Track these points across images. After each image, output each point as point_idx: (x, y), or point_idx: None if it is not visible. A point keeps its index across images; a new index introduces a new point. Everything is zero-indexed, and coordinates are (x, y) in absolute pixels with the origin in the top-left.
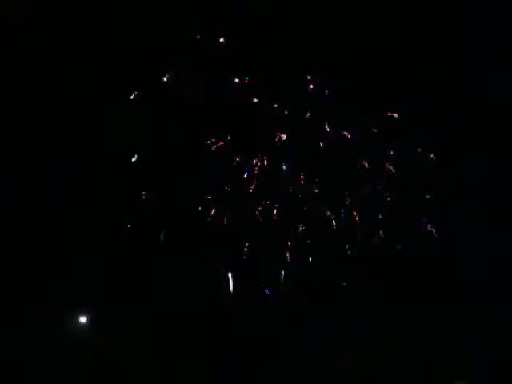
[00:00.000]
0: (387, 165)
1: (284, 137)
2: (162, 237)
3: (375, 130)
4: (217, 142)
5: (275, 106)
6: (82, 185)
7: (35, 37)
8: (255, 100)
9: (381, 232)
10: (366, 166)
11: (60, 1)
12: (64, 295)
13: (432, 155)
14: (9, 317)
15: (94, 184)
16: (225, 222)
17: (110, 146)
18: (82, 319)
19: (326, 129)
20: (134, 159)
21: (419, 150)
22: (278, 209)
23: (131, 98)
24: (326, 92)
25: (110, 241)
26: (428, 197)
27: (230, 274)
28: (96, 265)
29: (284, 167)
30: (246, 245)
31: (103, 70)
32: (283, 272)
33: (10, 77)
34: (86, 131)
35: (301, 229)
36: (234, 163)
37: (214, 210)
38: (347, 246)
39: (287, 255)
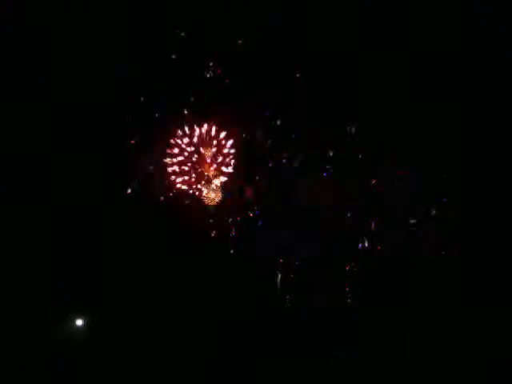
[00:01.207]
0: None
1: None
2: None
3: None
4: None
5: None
6: (82, 188)
7: (35, 37)
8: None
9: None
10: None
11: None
12: (63, 295)
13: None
14: (8, 317)
15: (94, 187)
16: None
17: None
18: (79, 321)
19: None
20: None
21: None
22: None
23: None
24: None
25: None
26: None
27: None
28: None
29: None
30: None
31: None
32: (279, 275)
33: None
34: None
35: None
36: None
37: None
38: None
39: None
